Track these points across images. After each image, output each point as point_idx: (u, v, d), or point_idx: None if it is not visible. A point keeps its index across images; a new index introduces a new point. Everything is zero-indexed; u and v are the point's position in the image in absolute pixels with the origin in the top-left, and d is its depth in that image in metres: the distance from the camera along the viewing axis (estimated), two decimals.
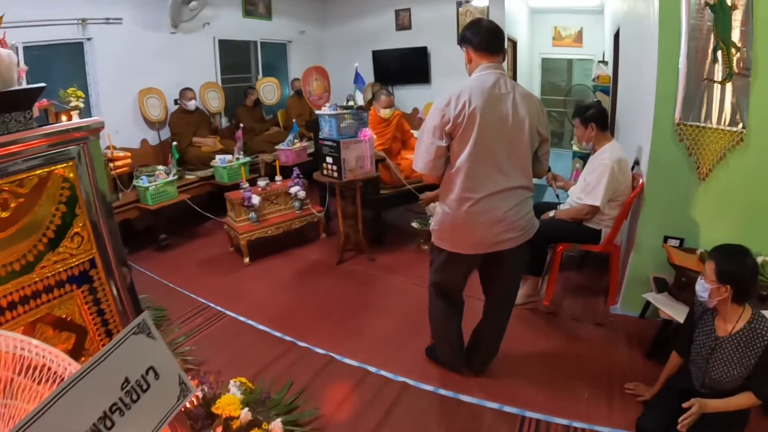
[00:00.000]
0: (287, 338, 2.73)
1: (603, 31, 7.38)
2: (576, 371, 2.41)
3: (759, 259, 2.32)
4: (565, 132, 9.62)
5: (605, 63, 5.96)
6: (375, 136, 3.66)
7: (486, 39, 1.92)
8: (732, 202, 2.49)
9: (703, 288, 1.72)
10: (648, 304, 2.75)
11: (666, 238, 2.69)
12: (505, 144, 1.87)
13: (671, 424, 1.77)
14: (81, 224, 1.35)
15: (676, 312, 2.34)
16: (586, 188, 2.78)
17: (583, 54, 8.49)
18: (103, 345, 0.96)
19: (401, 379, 2.36)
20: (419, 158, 1.99)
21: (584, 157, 5.84)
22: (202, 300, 3.20)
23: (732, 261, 1.66)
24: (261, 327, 2.86)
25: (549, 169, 3.22)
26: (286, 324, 2.88)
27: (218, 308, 3.09)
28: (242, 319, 2.96)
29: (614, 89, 5.16)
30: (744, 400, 1.67)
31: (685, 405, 1.75)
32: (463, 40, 1.98)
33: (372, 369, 2.43)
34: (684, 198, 2.58)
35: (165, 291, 3.38)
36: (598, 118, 2.80)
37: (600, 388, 2.27)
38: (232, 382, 2.06)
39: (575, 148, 6.15)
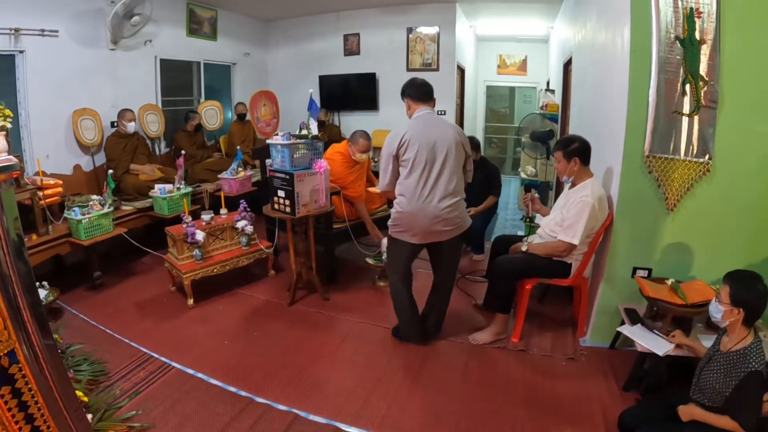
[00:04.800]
0: (243, 393, 2.44)
1: (547, 59, 7.61)
2: (558, 414, 2.31)
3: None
4: (507, 158, 9.84)
5: (551, 91, 6.08)
6: (329, 168, 3.43)
7: (420, 91, 2.67)
8: (698, 231, 2.52)
9: (716, 309, 1.82)
10: (618, 334, 2.71)
11: (635, 269, 2.68)
12: (438, 160, 2.54)
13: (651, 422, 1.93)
14: None
15: (652, 344, 2.31)
16: (563, 223, 2.68)
17: (526, 82, 8.71)
18: None
19: None
20: (383, 179, 2.69)
21: (532, 184, 5.89)
22: (144, 350, 2.84)
23: (746, 287, 1.74)
24: (212, 381, 2.55)
25: (530, 189, 3.21)
26: (240, 376, 2.59)
27: (163, 359, 2.74)
28: (190, 371, 2.63)
29: (564, 117, 5.25)
30: (724, 422, 1.70)
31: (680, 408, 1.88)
32: (403, 94, 2.72)
33: (343, 426, 2.20)
34: (652, 229, 2.58)
35: (101, 338, 2.98)
36: (582, 153, 2.69)
37: (586, 430, 2.18)
38: None
39: (523, 175, 6.20)
